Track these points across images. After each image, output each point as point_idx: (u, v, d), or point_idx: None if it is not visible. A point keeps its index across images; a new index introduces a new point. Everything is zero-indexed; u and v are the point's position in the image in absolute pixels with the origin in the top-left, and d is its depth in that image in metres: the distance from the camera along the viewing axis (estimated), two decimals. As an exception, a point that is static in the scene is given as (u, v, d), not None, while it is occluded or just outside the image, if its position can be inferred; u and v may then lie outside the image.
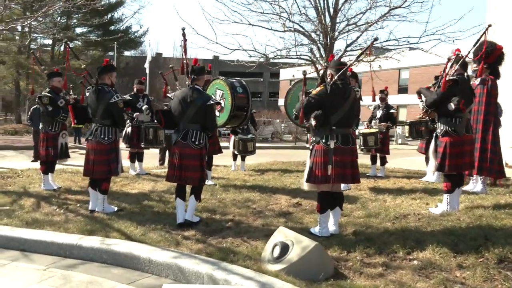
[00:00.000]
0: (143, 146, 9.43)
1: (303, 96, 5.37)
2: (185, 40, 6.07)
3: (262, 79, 61.64)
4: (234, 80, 7.87)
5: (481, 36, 6.16)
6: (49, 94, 7.67)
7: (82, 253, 5.12)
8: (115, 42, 30.25)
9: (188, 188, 6.02)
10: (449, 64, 5.97)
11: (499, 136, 7.13)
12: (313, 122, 5.17)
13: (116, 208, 6.50)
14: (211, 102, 5.83)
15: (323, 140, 5.21)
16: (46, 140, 7.78)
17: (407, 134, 8.86)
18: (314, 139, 5.36)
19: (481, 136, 6.93)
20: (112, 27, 35.83)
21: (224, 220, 6.05)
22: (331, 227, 5.39)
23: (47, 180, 7.91)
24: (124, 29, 36.41)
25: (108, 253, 5.01)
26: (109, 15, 35.25)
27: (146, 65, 27.72)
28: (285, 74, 55.31)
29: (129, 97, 9.67)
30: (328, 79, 5.34)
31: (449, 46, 11.84)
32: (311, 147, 5.48)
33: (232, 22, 12.24)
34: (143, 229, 5.57)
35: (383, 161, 9.85)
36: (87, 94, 6.53)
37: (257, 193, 7.52)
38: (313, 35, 11.87)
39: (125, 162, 10.12)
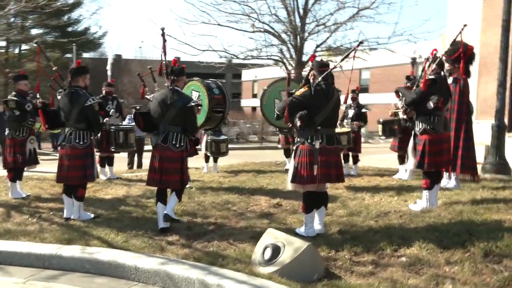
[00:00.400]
0: (113, 150, 9.17)
1: (287, 96, 5.35)
2: (164, 40, 5.93)
3: (224, 80, 61.41)
4: (210, 81, 7.76)
5: (457, 36, 6.30)
6: (15, 98, 7.34)
7: (63, 263, 4.92)
8: (74, 44, 29.41)
9: (168, 192, 5.88)
10: (427, 63, 6.06)
11: (473, 134, 7.31)
12: (298, 123, 5.14)
13: (92, 215, 6.28)
14: (192, 104, 5.72)
15: (308, 141, 5.20)
16: (13, 146, 7.44)
17: (380, 133, 8.97)
18: (298, 139, 5.33)
19: (454, 134, 7.08)
20: (70, 29, 34.87)
21: (206, 223, 5.95)
22: (317, 226, 5.38)
23: (15, 188, 7.57)
24: (83, 30, 35.51)
25: (90, 262, 4.83)
26: (67, 16, 34.27)
27: (108, 67, 27.10)
28: (248, 75, 55.33)
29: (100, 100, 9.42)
30: (311, 80, 5.32)
31: (412, 46, 12.14)
32: (295, 148, 5.46)
33: (201, 22, 12.19)
34: (124, 236, 5.41)
35: (356, 160, 9.94)
36: (59, 97, 6.28)
37: (235, 194, 7.44)
38: (283, 35, 11.91)
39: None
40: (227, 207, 6.72)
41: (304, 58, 11.87)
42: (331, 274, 4.38)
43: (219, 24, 12.16)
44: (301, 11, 11.66)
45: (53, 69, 6.36)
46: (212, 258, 4.70)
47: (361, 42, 5.23)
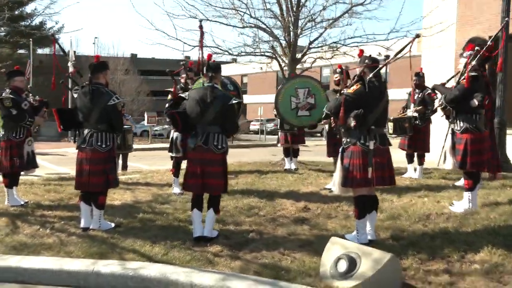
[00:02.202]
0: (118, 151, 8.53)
1: (337, 95, 5.02)
2: (202, 34, 5.45)
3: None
4: (223, 77, 7.35)
5: (498, 32, 6.15)
6: (11, 96, 6.63)
7: (101, 280, 4.39)
8: (31, 39, 27.87)
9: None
10: (466, 60, 5.87)
11: (494, 131, 7.25)
12: (352, 122, 4.82)
13: (113, 224, 5.73)
14: (233, 102, 5.28)
15: (361, 141, 4.89)
16: (10, 148, 6.71)
17: (390, 131, 8.79)
18: (348, 140, 5.01)
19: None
20: (23, 23, 33.03)
21: (242, 231, 5.53)
22: (369, 232, 5.08)
23: (12, 195, 6.85)
24: (37, 25, 33.79)
25: (135, 279, 4.33)
26: (19, 10, 32.50)
27: (69, 64, 25.86)
28: (234, 70, 54.09)
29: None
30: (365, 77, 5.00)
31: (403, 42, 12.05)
32: (341, 149, 5.15)
33: (188, 17, 11.57)
34: (162, 248, 4.92)
35: (421, 160, 9.41)
36: (75, 95, 5.68)
37: (255, 198, 7.05)
38: (276, 31, 11.53)
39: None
40: (254, 212, 6.33)
41: (298, 54, 11.54)
42: (408, 285, 4.09)
43: (207, 19, 11.62)
44: (294, 6, 11.30)
45: (69, 64, 5.73)
46: (273, 271, 4.31)
47: (417, 36, 4.96)
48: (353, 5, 11.21)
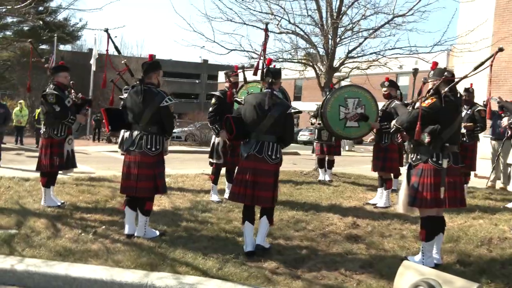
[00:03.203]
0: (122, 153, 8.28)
1: (409, 108, 4.72)
2: (266, 38, 5.18)
3: (199, 81, 60.37)
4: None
5: None
6: (55, 92, 6.41)
7: (156, 295, 4.10)
8: (55, 35, 27.88)
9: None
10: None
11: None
12: (426, 139, 4.52)
13: (158, 232, 5.46)
14: (292, 111, 5.00)
15: (434, 159, 4.58)
16: (50, 146, 6.49)
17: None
18: (418, 157, 4.70)
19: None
20: (48, 18, 33.12)
21: (294, 247, 5.23)
22: (435, 256, 4.76)
23: (49, 195, 6.61)
24: (61, 21, 33.78)
25: (193, 296, 4.03)
26: (46, 4, 32.56)
27: (92, 62, 25.83)
28: (224, 76, 54.35)
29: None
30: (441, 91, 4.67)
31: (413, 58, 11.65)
32: (408, 166, 4.85)
33: (226, 20, 11.38)
34: (214, 261, 4.62)
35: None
36: (125, 95, 5.44)
37: (299, 211, 6.78)
38: (314, 39, 11.27)
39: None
40: (302, 226, 6.04)
41: (336, 63, 11.27)
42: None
43: (244, 23, 11.42)
44: (335, 14, 11.04)
45: (122, 62, 5.51)
46: (342, 295, 4.01)
47: (500, 49, 4.65)
48: (395, 15, 10.93)
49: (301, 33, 11.22)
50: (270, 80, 5.01)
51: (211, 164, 7.58)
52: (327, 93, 8.28)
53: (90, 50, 44.74)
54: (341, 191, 8.88)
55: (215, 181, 7.50)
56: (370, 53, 11.13)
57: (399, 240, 5.56)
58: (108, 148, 21.88)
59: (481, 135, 8.95)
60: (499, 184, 9.86)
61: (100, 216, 6.18)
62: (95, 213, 6.33)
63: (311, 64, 11.29)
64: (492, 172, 10.13)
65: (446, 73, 4.62)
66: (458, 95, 4.73)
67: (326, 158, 10.25)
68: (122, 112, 5.45)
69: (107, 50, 5.39)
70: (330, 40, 11.00)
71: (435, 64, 4.86)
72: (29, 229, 5.49)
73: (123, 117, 5.42)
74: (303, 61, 11.54)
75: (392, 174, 7.50)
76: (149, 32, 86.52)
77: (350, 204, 7.62)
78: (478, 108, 8.14)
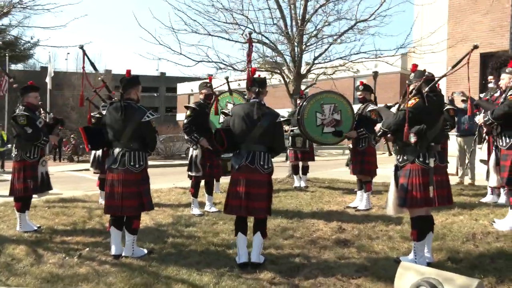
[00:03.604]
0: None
1: (397, 110, 4.79)
2: (251, 48, 5.14)
3: (157, 94, 59.69)
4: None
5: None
6: (26, 113, 6.17)
7: (154, 316, 3.97)
8: (6, 54, 27.02)
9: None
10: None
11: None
12: (413, 139, 4.59)
13: (145, 251, 5.31)
14: (281, 119, 4.98)
15: (420, 159, 4.67)
16: (23, 170, 6.23)
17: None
18: (405, 157, 4.77)
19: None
20: (-2, 37, 32.06)
21: (287, 255, 5.20)
22: (426, 254, 4.83)
23: (24, 220, 6.34)
24: (11, 39, 32.77)
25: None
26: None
27: (48, 80, 25.10)
28: (183, 89, 54.09)
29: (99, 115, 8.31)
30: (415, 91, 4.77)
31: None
32: (395, 167, 4.92)
33: (190, 32, 11.29)
34: (210, 276, 4.54)
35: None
36: (103, 112, 5.29)
37: (283, 219, 6.77)
38: (279, 46, 11.34)
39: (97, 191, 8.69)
40: (290, 234, 6.02)
41: (303, 69, 11.36)
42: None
43: (209, 34, 11.37)
44: (299, 22, 11.14)
45: (99, 78, 5.36)
46: (343, 300, 4.00)
47: (475, 47, 4.78)
48: (357, 21, 11.13)
49: (267, 41, 11.25)
50: (257, 90, 4.98)
51: (190, 177, 7.47)
52: (302, 99, 8.36)
53: (43, 68, 43.58)
54: (319, 196, 8.92)
55: (195, 194, 7.40)
56: (336, 58, 11.27)
57: (387, 241, 5.62)
58: (71, 168, 21.27)
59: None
60: (467, 180, 10.15)
61: (81, 238, 5.97)
62: (75, 235, 6.11)
63: (279, 72, 11.33)
64: (459, 168, 10.45)
65: (426, 73, 4.72)
66: (439, 95, 4.83)
67: (300, 164, 10.29)
68: (101, 130, 5.29)
69: (83, 67, 5.22)
70: (296, 48, 11.08)
71: (415, 66, 4.96)
72: (9, 256, 5.24)
73: (102, 134, 5.27)
74: (270, 69, 11.56)
75: (370, 177, 7.58)
76: (105, 46, 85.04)
77: (332, 209, 7.66)
78: (447, 107, 8.35)
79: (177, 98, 54.95)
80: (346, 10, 11.26)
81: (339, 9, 11.05)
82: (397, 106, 5.08)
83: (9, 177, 15.20)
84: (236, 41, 11.58)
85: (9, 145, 20.63)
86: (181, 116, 55.47)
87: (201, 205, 7.65)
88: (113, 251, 5.19)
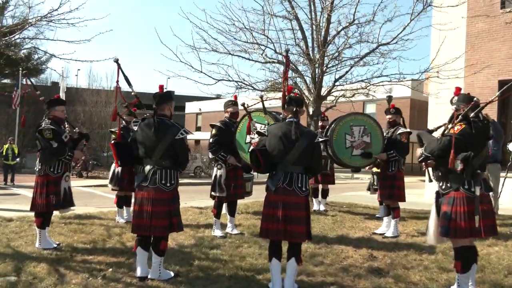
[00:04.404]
0: (137, 188, 7.89)
1: (441, 135, 4.61)
2: (288, 65, 5.01)
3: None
4: (275, 113, 6.92)
5: None
6: (52, 127, 6.03)
7: None
8: (20, 69, 27.09)
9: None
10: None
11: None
12: (459, 166, 4.40)
13: (172, 273, 5.09)
14: (319, 140, 4.81)
15: (466, 187, 4.47)
16: (46, 185, 6.06)
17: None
18: (448, 185, 4.57)
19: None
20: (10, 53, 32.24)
21: (319, 283, 4.97)
22: (471, 287, 4.59)
23: (44, 237, 6.15)
24: (25, 54, 32.96)
25: None
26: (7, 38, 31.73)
27: (61, 95, 25.00)
28: (191, 108, 54.21)
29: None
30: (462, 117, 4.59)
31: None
32: (437, 194, 4.73)
33: (211, 50, 11.22)
34: (243, 303, 4.31)
35: None
36: (134, 128, 5.14)
37: (310, 244, 6.48)
38: (300, 67, 11.24)
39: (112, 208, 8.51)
40: (319, 261, 5.79)
41: (323, 91, 11.24)
42: None
43: (229, 53, 11.30)
44: (321, 43, 11.05)
45: (132, 94, 5.23)
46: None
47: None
48: (379, 44, 11.03)
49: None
50: (294, 109, 4.82)
51: (213, 197, 7.28)
52: (324, 120, 8.21)
53: (54, 83, 43.77)
54: (341, 221, 8.69)
55: (217, 215, 7.19)
56: (358, 81, 11.14)
57: (424, 271, 5.38)
58: (80, 183, 21.07)
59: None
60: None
61: (103, 257, 5.76)
62: (96, 254, 5.90)
63: (299, 93, 11.19)
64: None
65: (475, 99, 4.55)
66: (485, 121, 4.65)
67: (320, 187, 10.09)
68: (131, 146, 5.13)
69: (117, 81, 5.09)
70: (317, 69, 10.97)
71: (458, 89, 4.81)
72: (30, 275, 5.03)
73: (132, 151, 5.11)
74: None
75: (399, 203, 7.36)
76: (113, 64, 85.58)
77: (358, 235, 7.43)
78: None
79: (185, 117, 55.00)
80: (367, 33, 11.17)
81: (361, 32, 10.91)
82: (440, 130, 4.89)
83: (19, 190, 15.16)
84: (256, 61, 11.51)
85: (18, 159, 20.55)
86: (190, 135, 55.42)
87: (222, 226, 7.44)
88: (138, 272, 4.98)
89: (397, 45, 11.02)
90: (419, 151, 4.85)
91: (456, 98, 4.76)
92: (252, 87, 11.07)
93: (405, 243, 6.71)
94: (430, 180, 5.07)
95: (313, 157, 4.75)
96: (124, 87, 5.37)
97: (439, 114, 16.38)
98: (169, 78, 73.21)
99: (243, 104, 6.46)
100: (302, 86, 11.50)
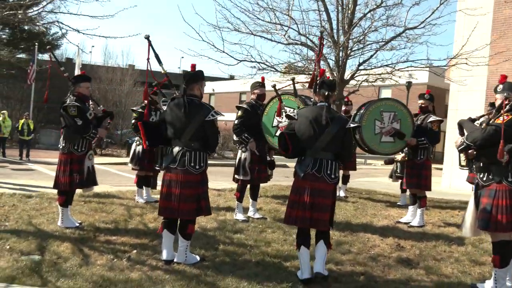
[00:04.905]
0: (158, 168, 7.80)
1: (485, 125, 4.40)
2: (322, 45, 4.82)
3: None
4: (304, 97, 6.75)
5: None
6: (77, 104, 5.90)
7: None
8: (36, 43, 27.02)
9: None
10: None
11: None
12: (505, 158, 4.20)
13: (198, 257, 4.99)
14: (351, 125, 4.63)
15: (509, 179, 4.28)
16: (69, 163, 5.95)
17: (463, 163, 8.23)
18: (490, 177, 4.38)
19: None
20: (26, 26, 32.14)
21: (349, 273, 4.84)
22: (507, 283, 4.43)
23: (66, 215, 6.06)
24: (41, 29, 32.83)
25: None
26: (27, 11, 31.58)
27: (77, 72, 24.89)
28: (223, 89, 53.52)
29: (141, 110, 8.04)
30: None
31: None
32: (476, 186, 4.55)
33: (233, 30, 11.00)
34: (274, 292, 4.19)
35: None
36: (164, 108, 4.99)
37: (335, 232, 6.34)
38: (324, 50, 10.96)
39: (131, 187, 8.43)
40: (346, 249, 5.67)
41: (346, 75, 10.99)
42: None
43: (251, 33, 11.07)
44: (346, 25, 10.77)
45: (162, 72, 5.06)
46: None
47: None
48: (406, 28, 10.74)
49: (311, 44, 10.90)
50: (326, 93, 4.63)
51: (236, 180, 7.15)
52: (349, 105, 8.02)
53: (68, 60, 43.65)
54: (362, 209, 8.55)
55: (240, 198, 7.06)
56: (382, 65, 10.87)
57: (456, 264, 5.24)
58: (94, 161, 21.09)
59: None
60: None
61: (126, 238, 5.67)
62: (119, 235, 5.81)
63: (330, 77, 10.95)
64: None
65: (504, 87, 4.32)
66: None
67: (341, 172, 9.91)
68: (160, 126, 4.99)
69: (148, 59, 4.91)
70: (341, 52, 10.71)
71: (504, 77, 4.57)
72: (54, 254, 4.95)
73: (161, 131, 4.97)
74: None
75: (426, 192, 7.18)
76: (131, 41, 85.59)
77: (382, 223, 7.28)
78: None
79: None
80: (394, 16, 10.87)
81: (388, 15, 10.61)
82: (481, 120, 4.68)
83: (34, 166, 15.14)
84: (278, 42, 11.27)
85: (33, 134, 20.56)
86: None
87: (244, 210, 7.32)
88: (164, 255, 4.88)
89: (424, 29, 10.75)
90: (459, 139, 4.65)
91: (501, 86, 4.53)
92: (275, 68, 10.85)
93: (432, 234, 6.55)
94: (461, 166, 4.88)
95: (344, 143, 4.58)
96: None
97: (460, 102, 16.09)
98: (182, 57, 72.87)
99: (273, 86, 6.27)
100: (326, 69, 11.25)
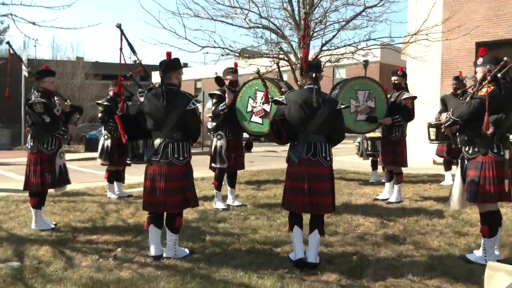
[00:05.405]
0: (128, 162, 7.53)
1: (468, 99, 4.44)
2: (307, 27, 4.71)
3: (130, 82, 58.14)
4: (285, 83, 6.67)
5: None
6: (43, 100, 5.58)
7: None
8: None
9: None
10: None
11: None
12: (490, 130, 4.25)
13: (187, 251, 4.86)
14: (341, 106, 4.58)
15: (495, 150, 4.36)
16: (40, 162, 5.64)
17: (432, 137, 8.41)
18: (476, 149, 4.45)
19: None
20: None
21: (340, 254, 4.84)
22: (496, 252, 4.54)
23: (40, 217, 5.77)
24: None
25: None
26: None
27: (23, 67, 23.80)
28: (157, 77, 52.36)
29: (107, 103, 7.74)
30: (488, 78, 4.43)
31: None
32: (461, 159, 4.61)
33: (193, 15, 10.75)
34: (270, 279, 4.11)
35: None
36: (141, 99, 4.77)
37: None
38: (286, 32, 10.91)
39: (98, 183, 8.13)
40: (332, 230, 5.67)
41: (310, 57, 10.95)
42: None
43: (212, 18, 10.84)
44: (307, 6, 10.71)
45: (137, 62, 4.83)
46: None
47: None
48: (366, 7, 10.80)
49: (273, 27, 10.80)
50: (314, 75, 4.55)
51: (213, 169, 7.01)
52: (333, 86, 7.97)
53: (12, 55, 41.58)
54: (338, 188, 8.51)
55: (218, 187, 6.94)
56: (345, 45, 10.91)
57: (441, 237, 5.33)
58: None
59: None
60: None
61: (108, 236, 5.45)
62: (99, 233, 5.59)
63: (286, 58, 10.90)
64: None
65: (505, 59, 4.37)
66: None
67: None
68: (138, 118, 4.78)
69: (120, 49, 4.65)
70: (303, 33, 10.65)
71: (483, 50, 4.62)
72: (35, 259, 4.69)
73: (140, 124, 4.76)
74: (277, 55, 11.10)
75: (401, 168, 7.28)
76: (81, 32, 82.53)
77: (360, 202, 7.35)
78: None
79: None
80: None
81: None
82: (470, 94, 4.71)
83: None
84: (240, 26, 11.11)
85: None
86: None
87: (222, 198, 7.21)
88: (152, 251, 4.72)
89: (383, 7, 10.84)
90: (444, 115, 4.68)
91: (481, 59, 4.58)
92: (239, 54, 10.69)
93: (412, 208, 6.66)
94: (456, 146, 4.93)
95: (335, 125, 4.53)
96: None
97: (417, 77, 16.41)
98: (161, 43, 70.70)
99: (258, 72, 6.10)
100: (290, 51, 11.18)
